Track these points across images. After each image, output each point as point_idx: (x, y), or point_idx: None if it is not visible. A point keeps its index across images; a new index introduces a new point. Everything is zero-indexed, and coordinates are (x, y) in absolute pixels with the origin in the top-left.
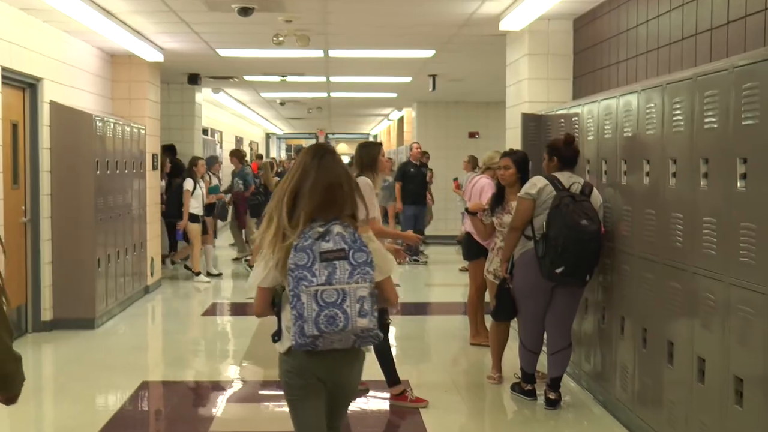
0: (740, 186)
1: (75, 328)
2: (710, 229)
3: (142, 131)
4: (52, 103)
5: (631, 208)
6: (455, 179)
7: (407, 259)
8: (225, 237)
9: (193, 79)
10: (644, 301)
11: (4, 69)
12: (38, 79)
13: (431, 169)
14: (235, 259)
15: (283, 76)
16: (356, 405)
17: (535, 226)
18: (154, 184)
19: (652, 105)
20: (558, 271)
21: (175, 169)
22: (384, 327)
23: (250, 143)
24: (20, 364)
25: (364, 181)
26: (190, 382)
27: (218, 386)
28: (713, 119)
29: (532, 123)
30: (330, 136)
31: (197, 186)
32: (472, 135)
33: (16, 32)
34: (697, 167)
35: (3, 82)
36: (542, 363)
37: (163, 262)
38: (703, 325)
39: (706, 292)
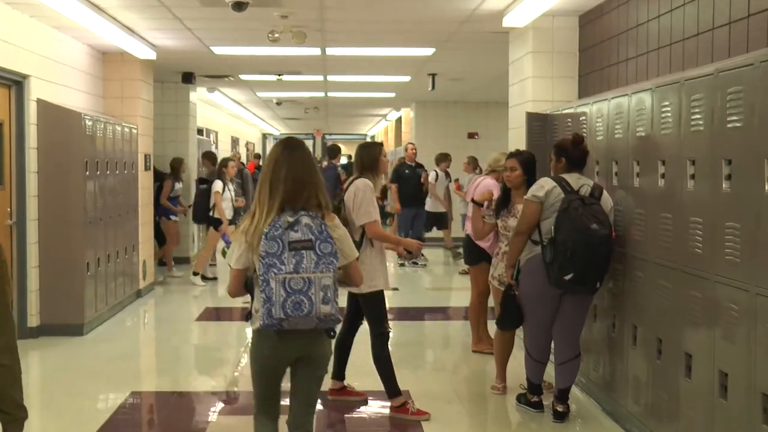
0: (767, 189)
1: (63, 335)
2: (733, 235)
3: (134, 131)
4: (40, 101)
5: (645, 212)
6: (456, 180)
7: (407, 262)
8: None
9: (188, 78)
10: (659, 309)
11: None
12: (25, 77)
13: (426, 170)
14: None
15: (279, 75)
16: (355, 416)
17: (543, 231)
18: (146, 184)
19: (668, 103)
20: (567, 278)
21: (156, 173)
22: (384, 336)
23: (247, 144)
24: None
25: (364, 183)
26: (182, 391)
27: (211, 396)
28: (737, 117)
29: (537, 123)
30: (327, 137)
31: (226, 188)
32: (471, 135)
33: (1, 27)
34: (719, 169)
35: None
36: (549, 373)
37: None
38: (726, 337)
39: (729, 302)
